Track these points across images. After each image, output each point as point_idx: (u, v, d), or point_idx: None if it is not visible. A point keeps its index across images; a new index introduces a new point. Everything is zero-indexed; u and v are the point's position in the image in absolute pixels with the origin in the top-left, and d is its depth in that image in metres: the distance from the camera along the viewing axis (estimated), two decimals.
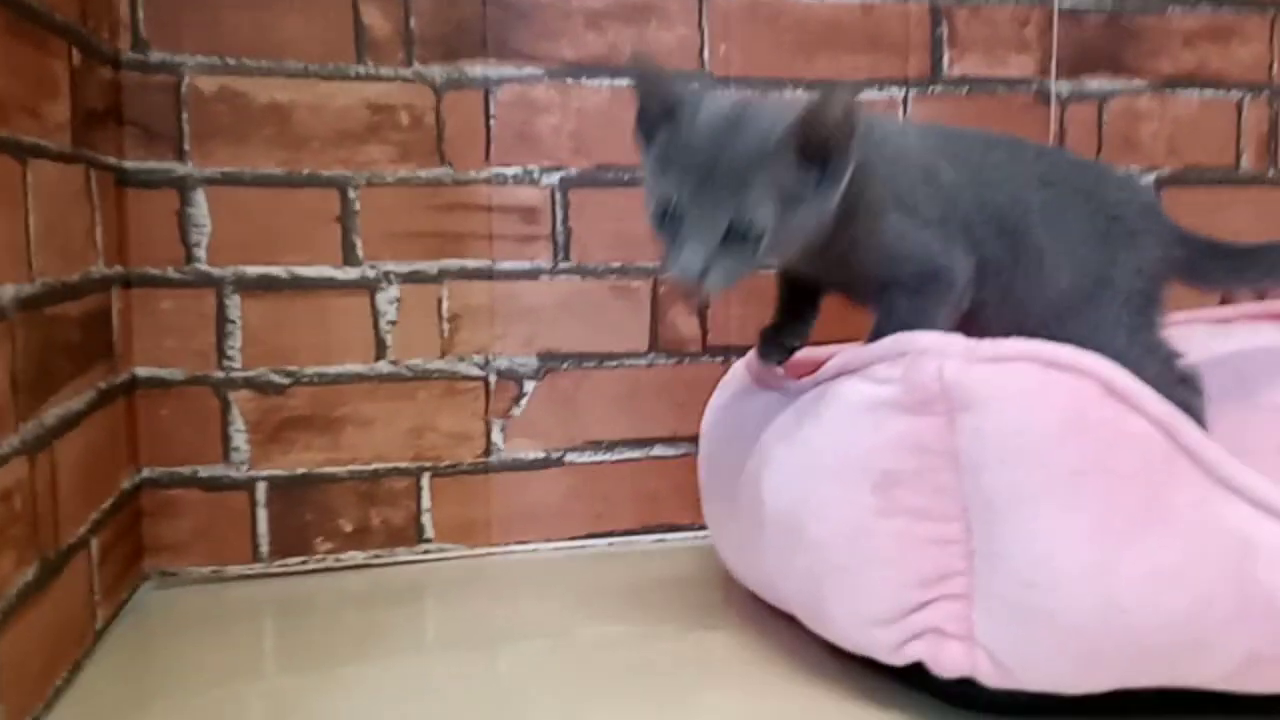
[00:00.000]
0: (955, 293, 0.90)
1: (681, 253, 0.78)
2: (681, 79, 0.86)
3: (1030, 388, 0.72)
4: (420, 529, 1.22)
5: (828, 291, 0.98)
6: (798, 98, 1.25)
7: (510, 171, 1.22)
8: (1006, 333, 0.95)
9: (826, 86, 0.79)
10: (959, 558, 0.74)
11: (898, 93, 1.32)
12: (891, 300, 0.89)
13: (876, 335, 0.86)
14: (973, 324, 0.92)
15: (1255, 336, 1.20)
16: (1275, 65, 1.43)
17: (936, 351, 0.75)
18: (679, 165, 0.80)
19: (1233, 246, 1.08)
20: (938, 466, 0.75)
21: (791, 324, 1.00)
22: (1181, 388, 0.99)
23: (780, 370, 0.99)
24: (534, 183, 1.23)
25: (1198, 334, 1.17)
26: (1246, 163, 1.43)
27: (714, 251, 0.78)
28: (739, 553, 0.99)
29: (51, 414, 0.86)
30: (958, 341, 0.76)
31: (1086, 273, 0.96)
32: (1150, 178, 1.40)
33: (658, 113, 0.83)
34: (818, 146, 0.79)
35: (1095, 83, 1.37)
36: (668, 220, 0.80)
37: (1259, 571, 0.68)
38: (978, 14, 1.33)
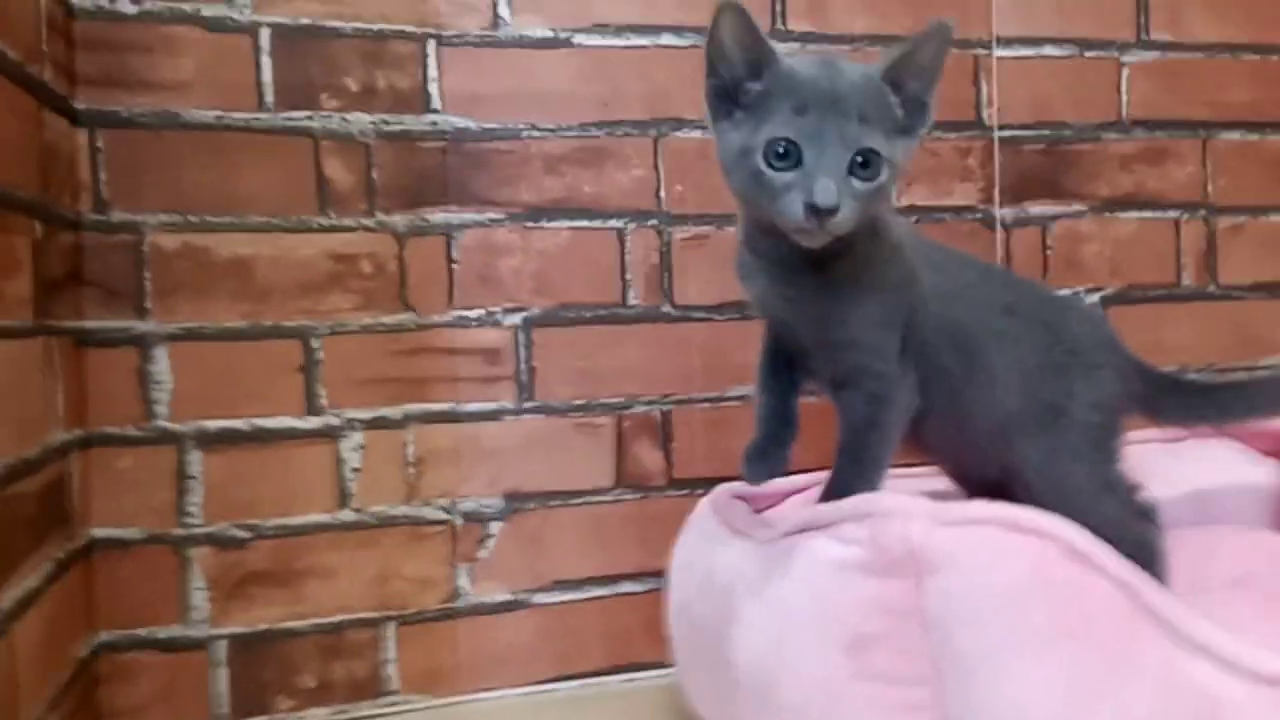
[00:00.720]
0: (904, 407, 0.91)
1: (815, 184, 0.77)
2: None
3: (995, 550, 0.73)
4: (384, 681, 1.20)
5: (803, 377, 0.97)
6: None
7: (473, 314, 1.23)
8: (951, 442, 0.99)
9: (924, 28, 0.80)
10: None
11: None
12: (850, 408, 0.91)
13: (840, 451, 0.89)
14: (920, 430, 0.94)
15: (1207, 456, 1.23)
16: (1209, 184, 1.49)
17: (902, 514, 0.76)
18: (786, 107, 0.79)
19: (1192, 383, 1.11)
20: (907, 629, 0.75)
21: (774, 442, 0.97)
22: (1141, 522, 1.01)
23: (749, 504, 0.99)
24: (496, 324, 1.24)
25: (1151, 455, 1.19)
26: (1187, 279, 1.48)
27: (843, 182, 0.78)
28: (715, 706, 0.98)
29: (8, 596, 0.85)
30: (922, 504, 0.77)
31: (1039, 401, 0.98)
32: (1095, 297, 1.44)
33: (744, 65, 0.82)
34: (914, 80, 0.82)
35: (1037, 208, 1.42)
36: (781, 162, 0.78)
37: None
38: (922, 147, 1.37)
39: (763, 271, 0.90)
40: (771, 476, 0.95)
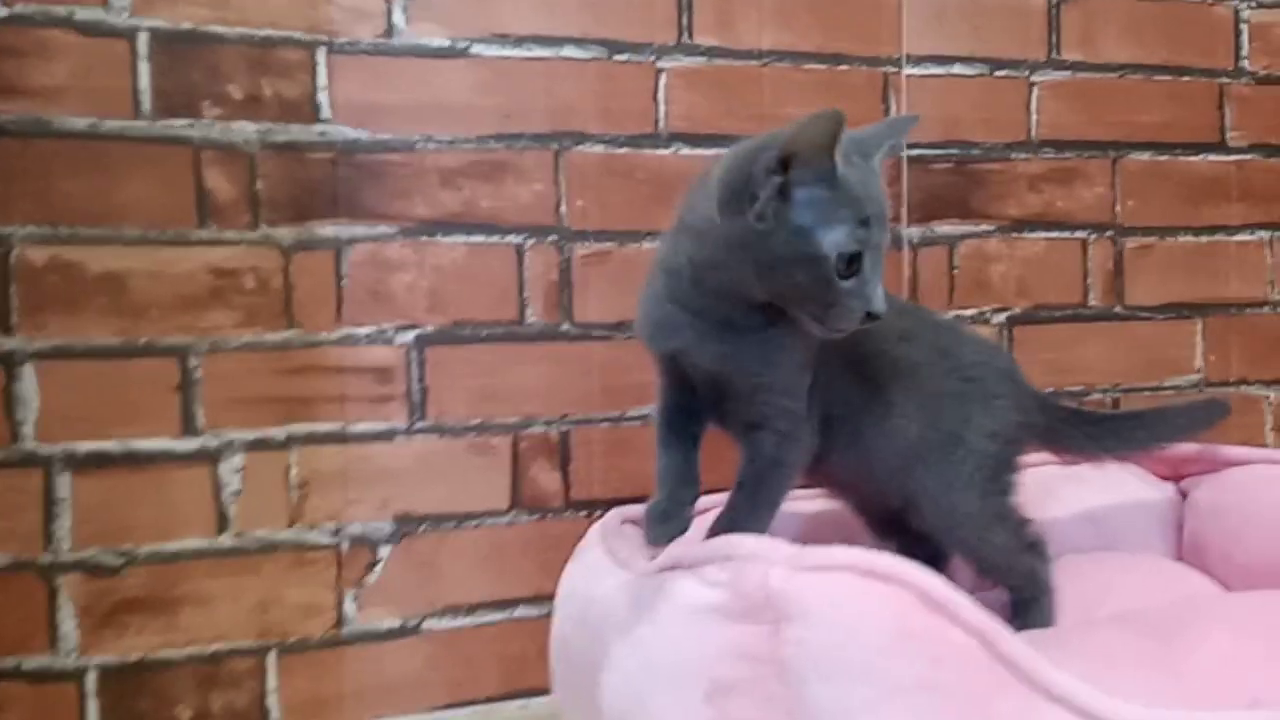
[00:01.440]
0: (808, 447, 0.92)
1: (874, 294, 0.81)
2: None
3: (851, 599, 0.71)
4: (266, 711, 1.16)
5: (706, 427, 0.96)
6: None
7: (363, 331, 1.20)
8: (854, 474, 0.98)
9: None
10: None
11: None
12: (759, 447, 0.90)
13: (739, 486, 0.89)
14: (823, 465, 0.94)
15: (1105, 480, 1.22)
16: (1118, 205, 1.49)
17: (762, 558, 0.74)
18: (851, 218, 0.80)
19: (1093, 415, 1.12)
20: (766, 676, 0.73)
21: (676, 502, 0.93)
22: (1029, 554, 1.00)
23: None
24: (388, 342, 1.21)
25: (1049, 479, 1.19)
26: (1094, 299, 1.48)
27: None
28: None
29: None
30: (783, 548, 0.75)
31: (938, 428, 0.97)
32: (1001, 317, 1.43)
33: (814, 170, 0.80)
34: None
35: (945, 227, 1.41)
36: (847, 270, 0.80)
37: None
38: None
39: (691, 328, 0.89)
40: (674, 538, 0.95)
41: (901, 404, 0.96)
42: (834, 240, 0.80)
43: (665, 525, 0.92)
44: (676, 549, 0.85)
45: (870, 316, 0.82)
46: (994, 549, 0.99)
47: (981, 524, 0.98)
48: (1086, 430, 1.08)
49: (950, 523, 0.99)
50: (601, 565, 0.98)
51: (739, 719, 0.74)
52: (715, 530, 0.88)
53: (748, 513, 0.89)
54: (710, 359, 0.90)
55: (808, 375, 0.91)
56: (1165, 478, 1.25)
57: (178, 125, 1.12)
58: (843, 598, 0.71)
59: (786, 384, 0.90)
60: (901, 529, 1.02)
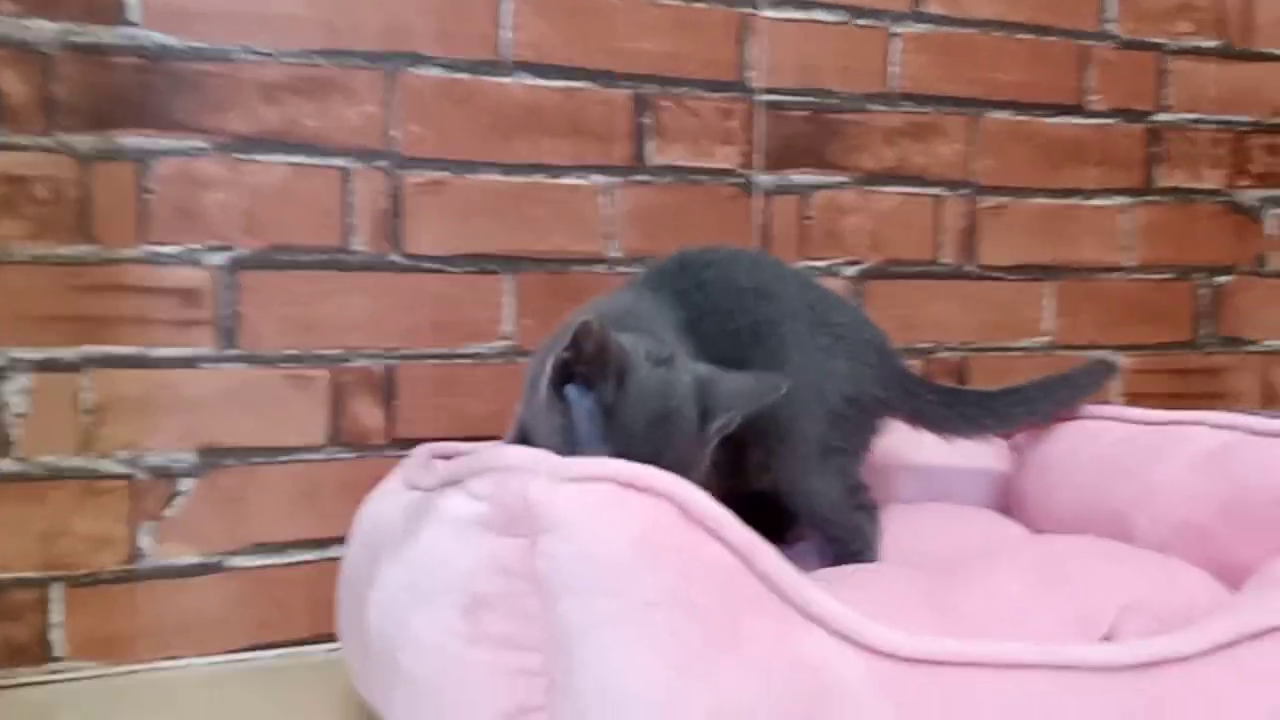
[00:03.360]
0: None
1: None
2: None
3: (606, 511, 0.67)
4: (48, 646, 1.09)
5: None
6: None
7: (169, 250, 1.13)
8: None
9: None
10: (540, 691, 0.68)
11: (601, 180, 1.29)
12: None
13: None
14: None
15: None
16: (974, 163, 1.48)
17: (526, 469, 0.71)
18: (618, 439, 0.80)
19: (969, 394, 1.12)
20: (523, 591, 0.69)
21: None
22: (859, 513, 1.00)
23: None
24: (196, 263, 1.14)
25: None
26: (947, 257, 1.47)
27: None
28: (360, 678, 0.91)
29: None
30: (549, 460, 0.71)
31: (803, 376, 0.96)
32: (853, 270, 1.41)
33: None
34: None
35: (799, 176, 1.39)
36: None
37: (833, 711, 0.65)
38: (682, 104, 1.32)
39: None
40: None
41: (764, 358, 0.96)
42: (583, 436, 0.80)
43: None
44: (454, 464, 0.80)
45: None
46: (825, 500, 0.99)
47: (820, 476, 0.98)
48: (962, 410, 1.08)
49: (787, 465, 0.98)
50: (394, 490, 0.94)
51: (494, 633, 0.70)
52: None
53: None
54: None
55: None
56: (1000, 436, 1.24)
57: None
58: (598, 510, 0.68)
59: None
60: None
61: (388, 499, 0.92)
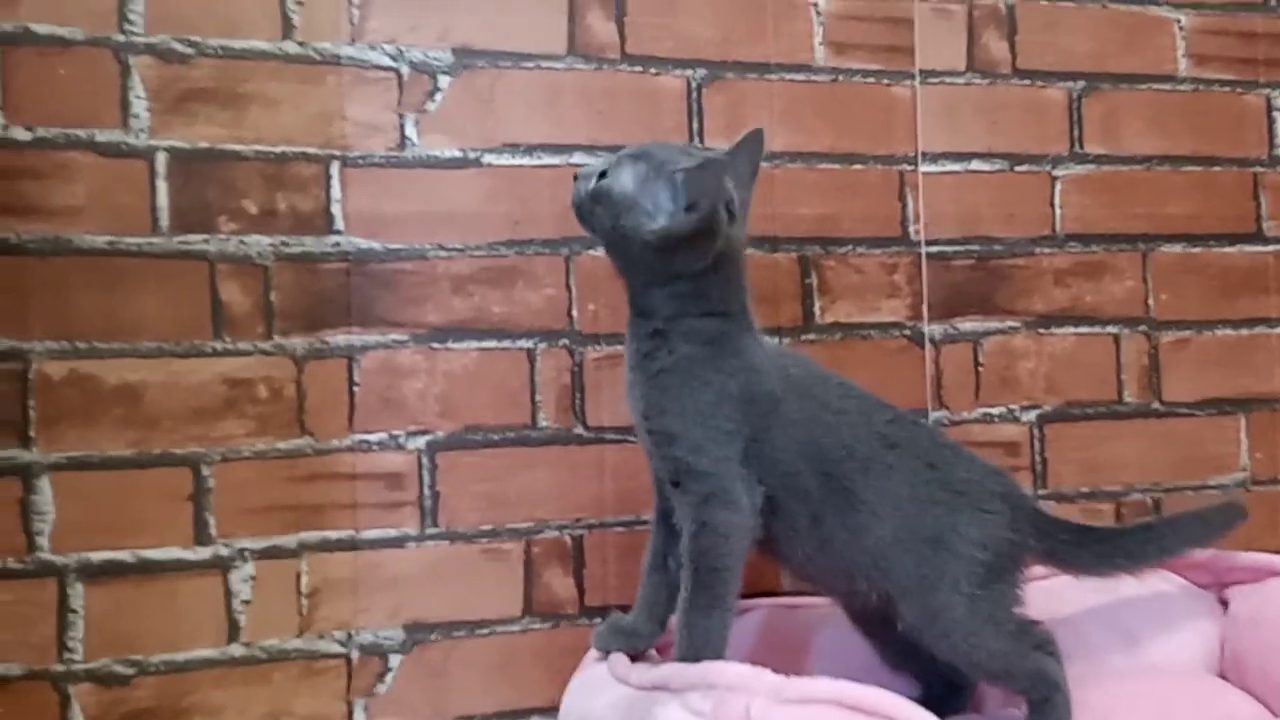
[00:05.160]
0: (740, 518, 0.94)
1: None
2: None
3: None
4: None
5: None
6: None
7: (374, 438, 1.20)
8: (821, 569, 1.00)
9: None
10: None
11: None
12: (682, 513, 0.96)
13: (688, 581, 0.93)
14: (787, 552, 0.99)
15: (1137, 591, 1.17)
16: (1150, 298, 1.45)
17: (744, 689, 0.72)
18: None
19: (1101, 532, 1.10)
20: None
21: (644, 616, 1.01)
22: (1033, 656, 0.98)
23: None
24: (400, 448, 1.21)
25: (1075, 588, 1.13)
26: (1129, 395, 1.43)
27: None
28: None
29: None
30: (766, 678, 0.73)
31: (917, 533, 0.97)
32: (1031, 415, 1.39)
33: None
34: None
35: (967, 324, 1.39)
36: None
37: None
38: (846, 262, 1.35)
39: (626, 368, 1.01)
40: (625, 650, 0.98)
41: (872, 502, 0.97)
42: None
43: (623, 639, 1.00)
44: (665, 670, 0.83)
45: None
46: (987, 653, 0.98)
47: (970, 627, 0.97)
48: (1094, 549, 1.07)
49: (933, 623, 0.98)
50: (600, 679, 0.97)
51: None
52: (680, 647, 0.91)
53: (701, 612, 0.91)
54: (630, 401, 1.00)
55: (722, 440, 0.94)
56: (1206, 586, 1.19)
57: (194, 241, 1.15)
58: None
59: (693, 439, 0.94)
60: (887, 628, 1.01)
61: (596, 694, 0.94)
